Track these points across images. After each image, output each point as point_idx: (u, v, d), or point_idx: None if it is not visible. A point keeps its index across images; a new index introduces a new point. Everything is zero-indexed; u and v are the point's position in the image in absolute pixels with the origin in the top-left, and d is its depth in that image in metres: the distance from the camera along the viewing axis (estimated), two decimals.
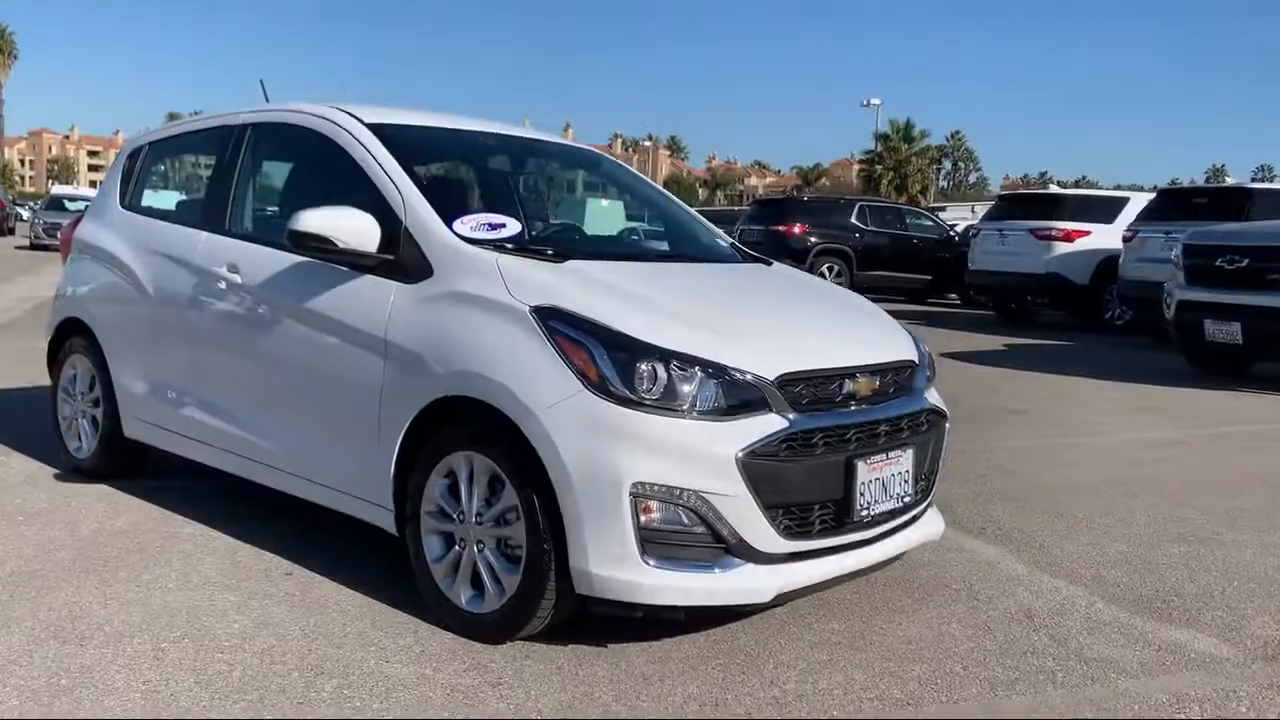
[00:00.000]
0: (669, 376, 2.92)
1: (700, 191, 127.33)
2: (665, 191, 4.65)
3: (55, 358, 5.09)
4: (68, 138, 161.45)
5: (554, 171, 4.66)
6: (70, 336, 4.97)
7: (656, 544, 2.88)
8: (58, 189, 41.01)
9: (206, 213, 4.32)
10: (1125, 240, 13.03)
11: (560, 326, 3.02)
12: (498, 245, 3.40)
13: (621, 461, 2.84)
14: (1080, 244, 14.49)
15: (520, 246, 3.43)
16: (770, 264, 4.18)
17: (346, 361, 3.50)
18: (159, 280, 4.38)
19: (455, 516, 3.20)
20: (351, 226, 3.43)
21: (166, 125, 4.87)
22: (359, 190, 3.69)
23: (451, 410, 3.22)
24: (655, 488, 2.85)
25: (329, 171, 3.87)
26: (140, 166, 4.88)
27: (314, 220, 3.41)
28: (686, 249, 4.19)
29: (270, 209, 4.39)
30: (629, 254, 3.88)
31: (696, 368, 2.94)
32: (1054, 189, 19.03)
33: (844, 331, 3.54)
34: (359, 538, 3.81)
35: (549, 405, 2.92)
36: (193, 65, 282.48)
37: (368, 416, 3.41)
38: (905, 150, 63.72)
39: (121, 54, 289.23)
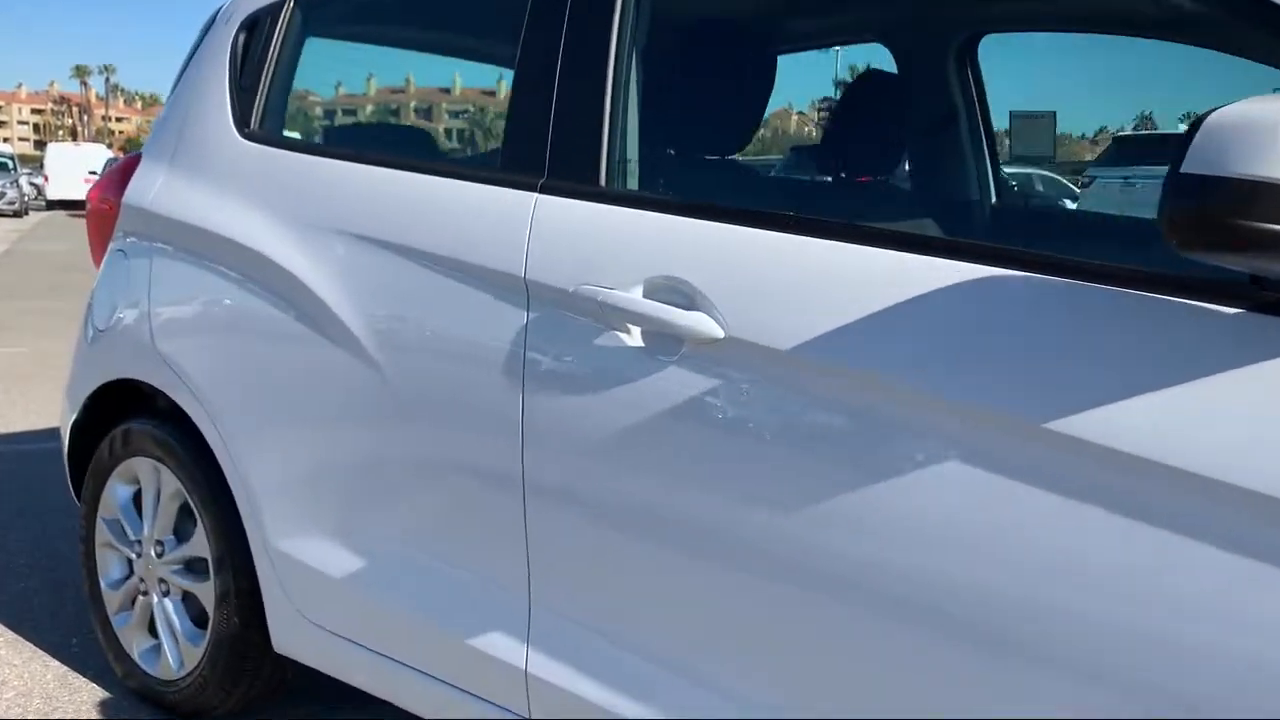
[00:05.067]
0: None
1: None
2: None
3: (87, 459, 2.46)
4: None
5: None
6: (125, 418, 2.35)
7: None
8: None
9: (514, 148, 1.71)
10: None
11: None
12: None
13: None
14: None
15: None
16: None
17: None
18: (392, 308, 1.78)
19: None
20: None
21: None
22: None
23: None
24: None
25: None
26: (280, 51, 2.21)
27: None
28: None
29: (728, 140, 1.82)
30: None
31: None
32: (1185, 130, 16.84)
33: None
34: None
35: None
36: (101, 18, 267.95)
37: None
38: None
39: (21, 3, 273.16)
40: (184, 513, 2.25)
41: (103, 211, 2.42)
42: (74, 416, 2.44)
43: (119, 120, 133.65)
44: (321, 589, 1.93)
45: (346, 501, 1.88)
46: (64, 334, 7.66)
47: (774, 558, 1.34)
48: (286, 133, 2.26)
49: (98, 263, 2.48)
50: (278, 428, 1.97)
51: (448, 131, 2.54)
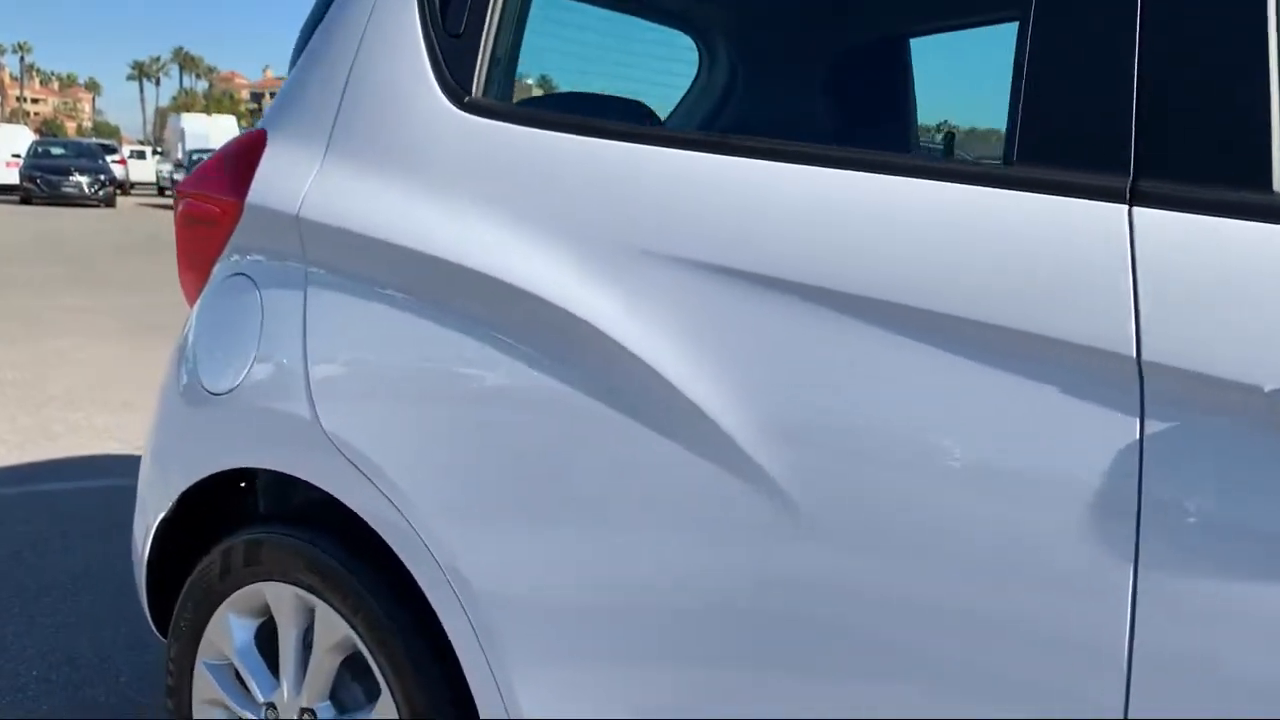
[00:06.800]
0: None
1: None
2: None
3: (180, 577, 1.69)
4: None
5: None
6: (245, 528, 1.59)
7: None
8: None
9: (1040, 126, 0.97)
10: None
11: None
12: None
13: None
14: None
15: None
16: None
17: None
18: (812, 392, 1.07)
19: None
20: None
21: None
22: None
23: None
24: None
25: None
26: None
27: None
28: None
29: None
30: None
31: None
32: None
33: None
34: None
35: None
36: None
37: None
38: None
39: None
40: (351, 669, 1.50)
41: (209, 216, 1.64)
42: (163, 513, 1.67)
43: (35, 101, 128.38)
44: None
45: (709, 693, 1.16)
46: (18, 339, 6.68)
47: None
48: (527, 103, 1.52)
49: (190, 292, 1.72)
50: (559, 561, 1.24)
51: (847, 104, 1.80)
